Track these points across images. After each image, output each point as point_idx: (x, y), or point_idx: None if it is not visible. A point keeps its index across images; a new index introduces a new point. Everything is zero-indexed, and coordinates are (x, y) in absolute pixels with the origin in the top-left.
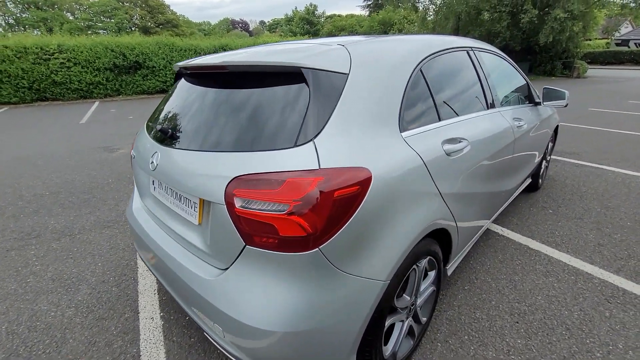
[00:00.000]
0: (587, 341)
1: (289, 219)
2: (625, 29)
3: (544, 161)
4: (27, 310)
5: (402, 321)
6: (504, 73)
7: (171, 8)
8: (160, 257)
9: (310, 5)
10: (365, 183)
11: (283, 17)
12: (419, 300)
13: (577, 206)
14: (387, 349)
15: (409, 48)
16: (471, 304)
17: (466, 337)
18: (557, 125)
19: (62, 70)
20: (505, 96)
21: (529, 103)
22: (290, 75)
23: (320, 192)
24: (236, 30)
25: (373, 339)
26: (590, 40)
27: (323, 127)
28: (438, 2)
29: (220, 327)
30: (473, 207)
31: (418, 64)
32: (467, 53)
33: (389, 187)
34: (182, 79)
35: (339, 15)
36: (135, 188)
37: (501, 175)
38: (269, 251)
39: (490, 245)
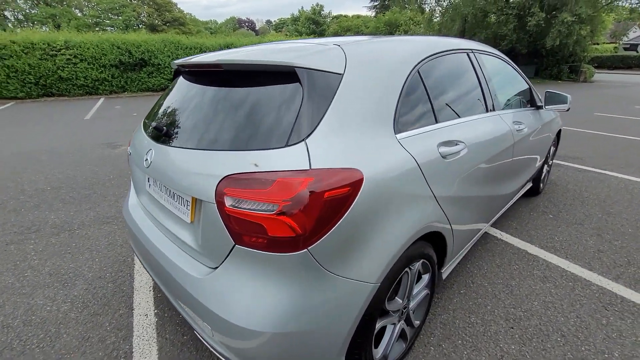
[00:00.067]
0: (583, 348)
1: (278, 219)
2: (634, 34)
3: (546, 165)
4: (23, 304)
5: (394, 324)
6: (506, 76)
7: (178, 6)
8: (153, 254)
9: (317, 5)
10: (356, 184)
11: (289, 17)
12: (412, 304)
13: (578, 212)
14: (378, 352)
15: (406, 49)
16: (466, 308)
17: (460, 341)
18: (560, 130)
19: (69, 66)
20: (506, 99)
21: (531, 107)
22: (285, 74)
23: (311, 192)
24: (242, 29)
25: (363, 341)
26: (597, 44)
27: (315, 128)
28: (444, 4)
29: (209, 326)
30: (470, 210)
31: (415, 66)
32: (467, 55)
33: (381, 189)
34: (180, 77)
35: (345, 16)
36: (132, 184)
37: (500, 179)
38: (258, 251)
39: (488, 249)
